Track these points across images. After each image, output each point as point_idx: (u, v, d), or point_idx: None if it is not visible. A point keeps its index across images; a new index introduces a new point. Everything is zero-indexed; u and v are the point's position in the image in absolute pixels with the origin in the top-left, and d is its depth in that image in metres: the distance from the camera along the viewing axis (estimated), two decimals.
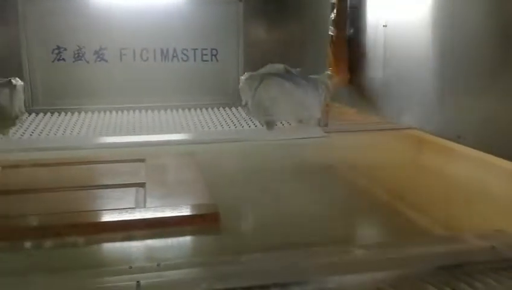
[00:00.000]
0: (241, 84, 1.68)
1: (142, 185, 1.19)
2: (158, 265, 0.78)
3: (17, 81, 1.58)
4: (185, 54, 2.22)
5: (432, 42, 1.56)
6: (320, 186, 1.29)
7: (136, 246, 0.93)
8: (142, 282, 0.70)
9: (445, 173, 1.35)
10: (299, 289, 0.71)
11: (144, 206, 1.07)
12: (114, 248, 0.93)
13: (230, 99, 2.23)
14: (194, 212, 1.04)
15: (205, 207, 1.06)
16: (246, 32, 2.24)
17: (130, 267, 0.76)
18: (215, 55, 2.24)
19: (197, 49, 2.23)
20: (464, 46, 1.45)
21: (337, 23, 1.75)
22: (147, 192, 1.14)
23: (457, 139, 1.45)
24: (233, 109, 2.17)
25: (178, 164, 1.42)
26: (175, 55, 2.21)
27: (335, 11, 1.77)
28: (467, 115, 1.47)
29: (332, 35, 1.78)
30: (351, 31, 1.88)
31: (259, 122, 1.65)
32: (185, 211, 1.05)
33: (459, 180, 1.29)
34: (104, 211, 1.05)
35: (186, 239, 0.97)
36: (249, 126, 1.94)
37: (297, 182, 1.32)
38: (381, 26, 1.82)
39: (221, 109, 2.18)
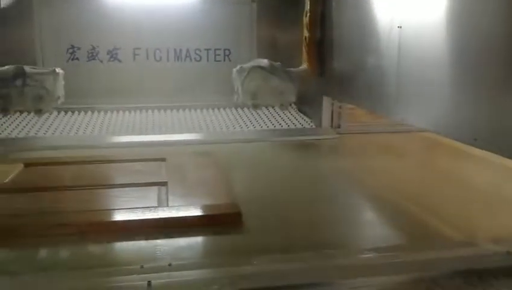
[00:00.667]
0: (233, 74, 1.97)
1: (164, 184, 1.20)
2: (169, 265, 0.78)
3: (60, 70, 1.87)
4: (197, 54, 2.22)
5: (448, 42, 1.55)
6: (335, 188, 1.28)
7: (159, 245, 0.93)
8: (153, 282, 0.70)
9: (460, 176, 1.33)
10: None
11: (167, 205, 1.07)
12: (137, 246, 0.93)
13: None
14: (217, 212, 1.05)
15: (228, 207, 1.07)
16: (258, 32, 2.23)
17: (142, 267, 0.76)
18: (228, 56, 2.24)
19: (210, 49, 2.23)
20: (481, 45, 1.42)
21: (308, 25, 2.08)
22: (168, 191, 1.15)
23: (474, 142, 1.43)
24: (245, 109, 2.16)
25: (198, 163, 1.43)
26: (188, 55, 2.22)
27: (308, 15, 2.07)
28: (484, 118, 1.44)
29: (305, 37, 2.08)
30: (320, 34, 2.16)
31: (246, 105, 2.01)
32: (208, 211, 1.05)
33: (475, 184, 1.27)
34: (127, 210, 1.05)
35: (209, 238, 0.97)
36: (261, 127, 1.95)
37: (314, 184, 1.32)
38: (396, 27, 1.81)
39: (233, 109, 2.18)
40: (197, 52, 2.22)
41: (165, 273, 0.75)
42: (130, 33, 2.15)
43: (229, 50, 2.24)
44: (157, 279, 0.72)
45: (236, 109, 2.19)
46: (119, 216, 1.02)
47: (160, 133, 1.84)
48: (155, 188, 1.18)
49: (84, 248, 0.91)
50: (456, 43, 1.54)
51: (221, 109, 2.20)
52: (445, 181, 1.32)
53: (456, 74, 1.56)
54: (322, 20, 2.14)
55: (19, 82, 1.77)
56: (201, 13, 2.18)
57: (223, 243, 0.95)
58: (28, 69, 1.80)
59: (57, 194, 1.15)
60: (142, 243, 0.93)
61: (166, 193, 1.13)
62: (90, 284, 0.73)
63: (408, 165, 1.45)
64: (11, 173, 1.26)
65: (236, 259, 0.83)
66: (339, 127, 2.02)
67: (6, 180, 1.21)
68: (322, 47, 2.14)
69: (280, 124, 2.04)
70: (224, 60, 2.24)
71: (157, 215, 1.02)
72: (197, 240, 0.96)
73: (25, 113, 2.03)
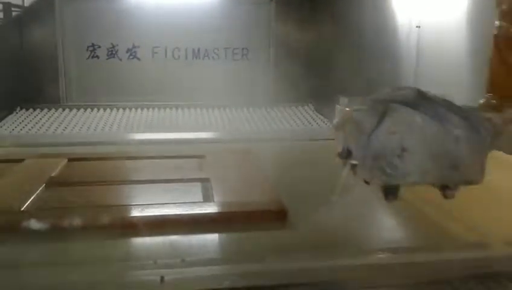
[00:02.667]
0: (338, 118, 0.90)
1: (206, 180, 1.21)
2: (183, 261, 0.78)
3: None
4: (216, 53, 2.23)
5: (467, 42, 1.51)
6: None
7: (205, 240, 0.95)
8: (166, 277, 0.71)
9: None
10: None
11: (213, 201, 1.09)
12: (186, 240, 0.94)
13: (260, 99, 2.23)
14: (264, 208, 1.05)
15: (273, 204, 1.07)
16: (277, 32, 2.24)
17: (155, 262, 0.76)
18: (246, 55, 2.24)
19: (228, 48, 2.24)
20: None
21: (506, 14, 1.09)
22: (212, 187, 1.16)
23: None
24: (263, 108, 2.17)
25: (238, 160, 1.44)
26: (206, 54, 2.23)
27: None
28: None
29: (497, 34, 1.09)
30: None
31: (373, 186, 0.90)
32: (254, 207, 1.06)
33: (492, 186, 1.25)
34: (175, 205, 1.07)
35: (256, 234, 0.97)
36: (272, 127, 1.95)
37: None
38: None
39: (250, 109, 2.19)
40: (216, 51, 2.23)
41: (178, 269, 0.75)
42: (149, 32, 2.18)
43: (247, 49, 2.24)
44: (170, 275, 0.73)
45: (254, 108, 2.19)
46: (168, 210, 1.04)
47: (183, 130, 1.87)
48: (198, 184, 1.20)
49: (134, 241, 0.93)
50: (475, 44, 1.52)
51: (239, 109, 2.21)
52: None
53: (474, 74, 1.54)
54: None
55: None
56: (220, 12, 2.20)
57: (273, 239, 0.95)
58: None
59: (103, 188, 1.18)
60: (195, 237, 0.95)
61: (211, 189, 1.15)
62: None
63: None
64: (57, 167, 1.29)
65: (248, 256, 0.83)
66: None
67: (54, 174, 1.24)
68: None
69: (297, 124, 2.03)
70: (242, 59, 2.25)
71: (205, 210, 1.04)
72: (247, 236, 0.96)
73: (47, 110, 2.06)
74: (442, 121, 0.80)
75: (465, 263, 0.80)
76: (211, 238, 0.96)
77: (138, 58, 2.20)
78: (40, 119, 1.99)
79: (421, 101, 0.84)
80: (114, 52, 2.19)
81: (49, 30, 2.13)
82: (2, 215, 0.99)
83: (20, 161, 1.34)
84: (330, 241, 0.91)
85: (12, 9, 2.08)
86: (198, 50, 2.24)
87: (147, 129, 1.88)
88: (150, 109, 2.17)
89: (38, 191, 1.11)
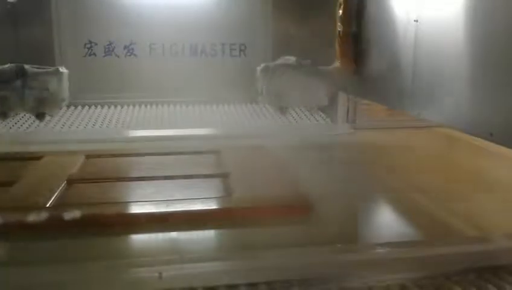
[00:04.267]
0: (257, 74, 1.79)
1: (226, 175, 1.23)
2: (181, 257, 0.78)
3: (63, 69, 1.74)
4: (213, 49, 2.22)
5: (468, 36, 1.52)
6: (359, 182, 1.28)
7: (229, 234, 0.98)
8: (164, 274, 0.70)
9: (478, 172, 1.32)
10: (321, 286, 0.70)
11: (235, 196, 1.10)
12: (212, 235, 0.97)
13: (258, 94, 2.23)
14: (288, 203, 1.07)
15: (297, 198, 1.09)
16: (274, 27, 2.23)
17: (153, 259, 0.77)
18: (243, 50, 2.24)
19: (225, 44, 2.23)
20: (499, 38, 1.39)
21: (343, 19, 1.94)
22: (232, 182, 1.17)
23: (490, 137, 1.40)
24: (261, 105, 2.16)
25: (254, 156, 1.47)
26: (204, 50, 2.22)
27: (342, 7, 1.96)
28: (500, 112, 1.41)
29: (339, 31, 1.94)
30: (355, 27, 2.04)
31: (272, 108, 1.81)
32: (278, 202, 1.07)
33: (491, 179, 1.26)
34: (197, 200, 1.09)
35: (281, 229, 0.98)
36: (271, 122, 1.95)
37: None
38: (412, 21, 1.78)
39: (248, 104, 2.18)
40: (213, 47, 2.22)
41: (176, 265, 0.75)
42: (146, 28, 2.18)
43: (244, 45, 2.23)
44: (168, 271, 0.73)
45: (251, 104, 2.20)
46: (192, 206, 1.06)
47: (186, 127, 1.88)
48: (218, 179, 1.22)
49: (160, 236, 0.95)
50: (474, 37, 1.52)
51: (237, 104, 2.23)
52: (461, 177, 1.30)
53: (473, 67, 1.54)
54: (357, 12, 1.95)
55: (18, 83, 1.61)
56: (217, 8, 2.21)
57: (297, 233, 0.97)
58: (28, 68, 1.66)
59: (124, 184, 1.20)
60: (219, 232, 0.97)
61: (231, 184, 1.16)
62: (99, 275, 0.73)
63: (423, 161, 1.43)
64: (76, 164, 1.31)
65: (246, 253, 0.83)
66: (354, 122, 2.00)
67: (73, 171, 1.26)
68: (357, 43, 1.97)
69: (296, 120, 2.03)
70: (240, 55, 2.24)
71: (229, 205, 1.06)
72: (271, 231, 0.98)
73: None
74: (306, 74, 1.74)
75: (463, 256, 0.80)
76: (237, 233, 0.97)
77: (135, 55, 2.20)
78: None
79: (299, 64, 1.76)
80: (111, 49, 2.18)
81: (45, 27, 2.11)
82: (29, 211, 1.00)
83: (39, 158, 1.36)
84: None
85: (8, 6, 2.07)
86: (196, 46, 2.23)
87: (148, 126, 1.89)
88: (148, 106, 2.19)
89: (60, 188, 1.13)
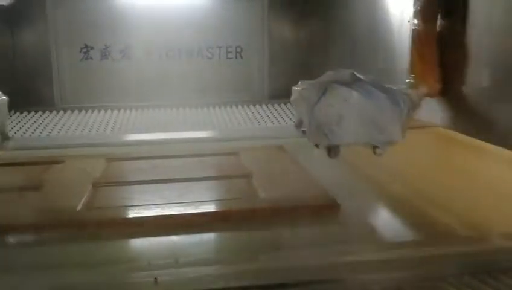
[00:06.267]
0: (294, 96, 1.25)
1: (248, 176, 1.23)
2: (176, 262, 0.79)
3: (1, 96, 1.44)
4: (209, 52, 2.23)
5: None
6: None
7: (258, 235, 0.97)
8: (159, 278, 0.70)
9: (473, 172, 1.32)
10: (317, 287, 0.70)
11: (260, 197, 1.11)
12: (238, 236, 0.97)
13: (255, 96, 2.23)
14: (316, 203, 1.07)
15: (324, 198, 1.09)
16: (271, 29, 2.24)
17: (148, 264, 0.77)
18: (239, 53, 2.24)
19: (221, 46, 2.24)
20: (494, 38, 1.35)
21: (423, 13, 1.36)
22: (256, 183, 1.18)
23: (487, 137, 1.38)
24: (258, 106, 2.18)
25: (273, 156, 1.47)
26: (200, 53, 2.23)
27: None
28: (497, 112, 1.39)
29: (415, 29, 1.39)
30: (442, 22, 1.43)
31: (319, 147, 1.21)
32: (306, 202, 1.08)
33: (488, 180, 1.26)
34: (224, 201, 1.10)
35: (312, 229, 0.99)
36: (273, 124, 1.95)
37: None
38: None
39: (245, 106, 2.21)
40: (209, 49, 2.23)
41: (171, 269, 0.76)
42: (142, 31, 2.20)
43: (240, 47, 2.24)
44: (163, 275, 0.73)
45: (248, 106, 2.22)
46: (219, 207, 1.07)
47: (187, 130, 1.89)
48: (241, 180, 1.22)
49: (190, 237, 0.96)
50: (470, 36, 1.51)
51: (233, 106, 2.24)
52: (457, 177, 1.30)
53: (471, 66, 1.53)
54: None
55: None
56: (213, 10, 2.24)
57: (327, 233, 0.98)
58: None
59: (149, 187, 1.20)
60: (248, 233, 0.98)
61: (255, 185, 1.17)
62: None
63: (422, 162, 1.44)
64: (99, 167, 1.33)
65: (242, 256, 0.83)
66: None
67: (97, 174, 1.28)
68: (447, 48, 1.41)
69: (284, 119, 2.04)
70: (236, 57, 2.25)
71: (255, 205, 1.06)
72: (302, 230, 0.98)
73: (41, 113, 2.06)
74: (371, 96, 1.09)
75: (459, 257, 0.80)
76: (266, 234, 0.97)
77: (132, 59, 2.20)
78: (42, 121, 1.99)
79: (354, 81, 1.13)
80: (107, 53, 2.18)
81: (41, 31, 2.11)
82: (60, 215, 1.03)
83: (60, 162, 1.38)
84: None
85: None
86: (192, 49, 2.23)
87: (155, 129, 1.90)
88: (145, 109, 2.20)
89: (87, 191, 1.14)
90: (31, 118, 2.02)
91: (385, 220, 1.09)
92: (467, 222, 0.97)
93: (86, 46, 2.18)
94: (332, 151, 1.13)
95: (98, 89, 2.21)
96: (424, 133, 1.78)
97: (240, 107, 2.22)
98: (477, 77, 1.36)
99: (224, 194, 1.18)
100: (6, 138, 1.48)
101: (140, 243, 0.94)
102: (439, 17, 1.42)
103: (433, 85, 1.40)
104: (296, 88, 1.24)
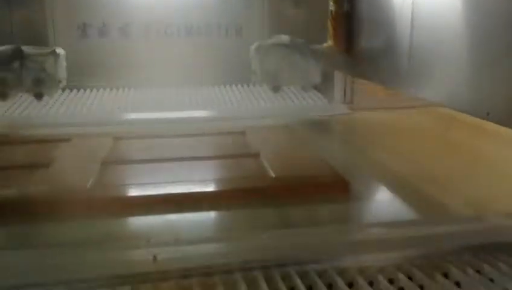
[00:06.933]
0: (250, 53, 1.84)
1: (256, 155, 1.24)
2: (176, 239, 0.79)
3: (60, 50, 1.79)
4: (209, 30, 2.21)
5: (466, 14, 1.50)
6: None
7: (266, 213, 0.98)
8: (158, 256, 0.71)
9: (474, 151, 1.32)
10: (316, 267, 0.70)
11: (270, 175, 1.11)
12: (246, 214, 0.98)
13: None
14: (326, 181, 1.08)
15: (333, 176, 1.10)
16: (271, 7, 2.21)
17: (148, 241, 0.77)
18: (238, 30, 2.22)
19: (221, 25, 2.21)
20: (497, 16, 1.37)
21: None
22: (265, 162, 1.18)
23: (487, 116, 1.40)
24: (257, 85, 2.16)
25: (280, 135, 1.48)
26: (199, 31, 2.21)
27: None
28: (496, 90, 1.40)
29: (331, 11, 1.98)
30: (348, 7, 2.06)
31: (266, 86, 1.88)
32: (316, 180, 1.08)
33: (488, 160, 1.26)
34: (234, 179, 1.11)
35: (325, 207, 1.00)
36: (273, 103, 1.94)
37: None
38: None
39: (245, 85, 2.19)
40: (209, 28, 2.21)
41: (171, 247, 0.75)
42: (141, 9, 2.17)
43: (240, 25, 2.22)
44: (162, 253, 0.73)
45: (248, 85, 2.20)
46: (230, 185, 1.07)
47: (187, 109, 1.89)
48: (250, 159, 1.23)
49: (198, 216, 0.97)
50: (472, 15, 1.50)
51: (233, 86, 2.23)
52: (457, 156, 1.31)
53: (470, 45, 1.53)
54: None
55: (16, 64, 1.67)
56: None
57: (340, 211, 1.00)
58: (25, 49, 1.72)
59: (158, 165, 1.21)
60: (259, 211, 0.98)
61: (264, 164, 1.17)
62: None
63: (421, 141, 1.44)
64: (107, 146, 1.33)
65: (243, 234, 0.84)
66: (351, 102, 2.00)
67: (105, 153, 1.27)
68: (349, 22, 2.00)
69: (293, 100, 2.02)
70: (236, 35, 2.23)
71: (267, 184, 1.07)
72: (313, 208, 0.99)
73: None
74: (300, 51, 1.81)
75: (459, 235, 0.81)
76: (280, 211, 0.97)
77: (130, 37, 2.18)
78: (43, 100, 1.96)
79: (291, 42, 1.84)
80: (105, 31, 2.16)
81: (38, 10, 2.09)
82: (70, 193, 1.04)
83: (67, 140, 1.38)
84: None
85: None
86: (191, 27, 2.21)
87: (152, 108, 1.88)
88: (145, 89, 2.17)
89: (97, 170, 1.15)
90: (29, 96, 2.00)
91: (389, 199, 1.09)
92: (468, 201, 0.98)
93: (84, 25, 2.16)
94: (275, 89, 1.87)
95: (96, 68, 2.18)
96: (425, 113, 1.78)
97: (239, 86, 2.21)
98: (367, 39, 1.93)
99: (233, 173, 1.17)
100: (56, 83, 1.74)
101: (147, 221, 0.95)
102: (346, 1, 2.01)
103: (341, 44, 1.93)
104: (251, 47, 1.87)
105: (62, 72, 1.77)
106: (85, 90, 2.12)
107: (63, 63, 1.78)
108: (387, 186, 1.15)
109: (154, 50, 2.21)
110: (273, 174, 1.11)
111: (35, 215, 0.94)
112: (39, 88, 1.69)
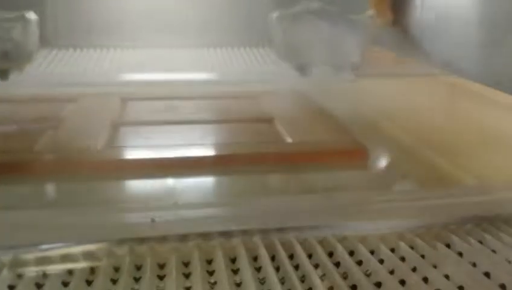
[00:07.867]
0: (270, 23, 1.51)
1: (270, 120, 1.22)
2: (175, 203, 0.79)
3: (31, 15, 1.51)
4: None
5: None
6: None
7: (288, 179, 0.98)
8: (157, 219, 0.71)
9: (481, 122, 1.31)
10: (315, 233, 0.70)
11: (286, 141, 1.10)
12: (272, 180, 0.99)
13: (258, 38, 2.18)
14: (344, 147, 1.06)
15: (352, 142, 1.08)
16: None
17: (146, 205, 0.77)
18: None
19: None
20: None
21: None
22: (280, 127, 1.16)
23: (497, 85, 1.38)
24: (260, 49, 2.12)
25: (294, 100, 1.45)
26: None
27: None
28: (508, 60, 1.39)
29: None
30: None
31: (289, 65, 1.50)
32: (334, 146, 1.07)
33: (495, 129, 1.25)
34: (247, 144, 1.09)
35: (341, 173, 1.00)
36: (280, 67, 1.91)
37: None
38: None
39: (247, 48, 2.14)
40: None
41: (169, 211, 0.75)
42: None
43: None
44: (161, 217, 0.73)
45: (251, 48, 2.16)
46: (246, 149, 1.05)
47: (198, 71, 1.83)
48: (265, 124, 1.20)
49: (219, 179, 0.97)
50: None
51: (235, 48, 2.19)
52: (464, 126, 1.30)
53: (481, 12, 1.50)
54: None
55: None
56: None
57: (358, 178, 1.00)
58: None
59: (168, 128, 1.20)
60: (275, 176, 0.99)
61: (279, 129, 1.15)
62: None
63: (426, 111, 1.43)
64: (114, 107, 1.31)
65: (242, 199, 0.84)
66: (356, 69, 1.97)
67: (114, 114, 1.25)
68: None
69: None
70: None
71: (284, 149, 1.06)
72: (332, 175, 0.99)
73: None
74: (334, 23, 1.37)
75: (461, 205, 0.81)
76: (296, 177, 0.97)
77: None
78: (43, 59, 1.88)
79: (322, 10, 1.41)
80: None
81: None
82: (82, 153, 1.03)
83: (74, 100, 1.35)
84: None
85: None
86: None
87: (155, 70, 1.82)
88: (145, 49, 2.11)
89: (106, 131, 1.13)
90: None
91: (402, 169, 1.06)
92: (471, 171, 0.98)
93: None
94: (300, 69, 1.45)
95: (91, 27, 2.13)
96: (430, 81, 1.76)
97: (242, 49, 2.16)
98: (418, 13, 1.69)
99: (247, 138, 1.15)
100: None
101: (157, 184, 0.94)
102: None
103: (387, 16, 1.70)
104: (273, 15, 1.52)
105: (34, 42, 1.52)
106: (82, 49, 2.08)
107: (35, 31, 1.51)
108: (400, 155, 1.13)
109: (152, 8, 2.15)
110: (289, 139, 1.10)
111: (42, 176, 0.94)
112: (4, 62, 1.42)
